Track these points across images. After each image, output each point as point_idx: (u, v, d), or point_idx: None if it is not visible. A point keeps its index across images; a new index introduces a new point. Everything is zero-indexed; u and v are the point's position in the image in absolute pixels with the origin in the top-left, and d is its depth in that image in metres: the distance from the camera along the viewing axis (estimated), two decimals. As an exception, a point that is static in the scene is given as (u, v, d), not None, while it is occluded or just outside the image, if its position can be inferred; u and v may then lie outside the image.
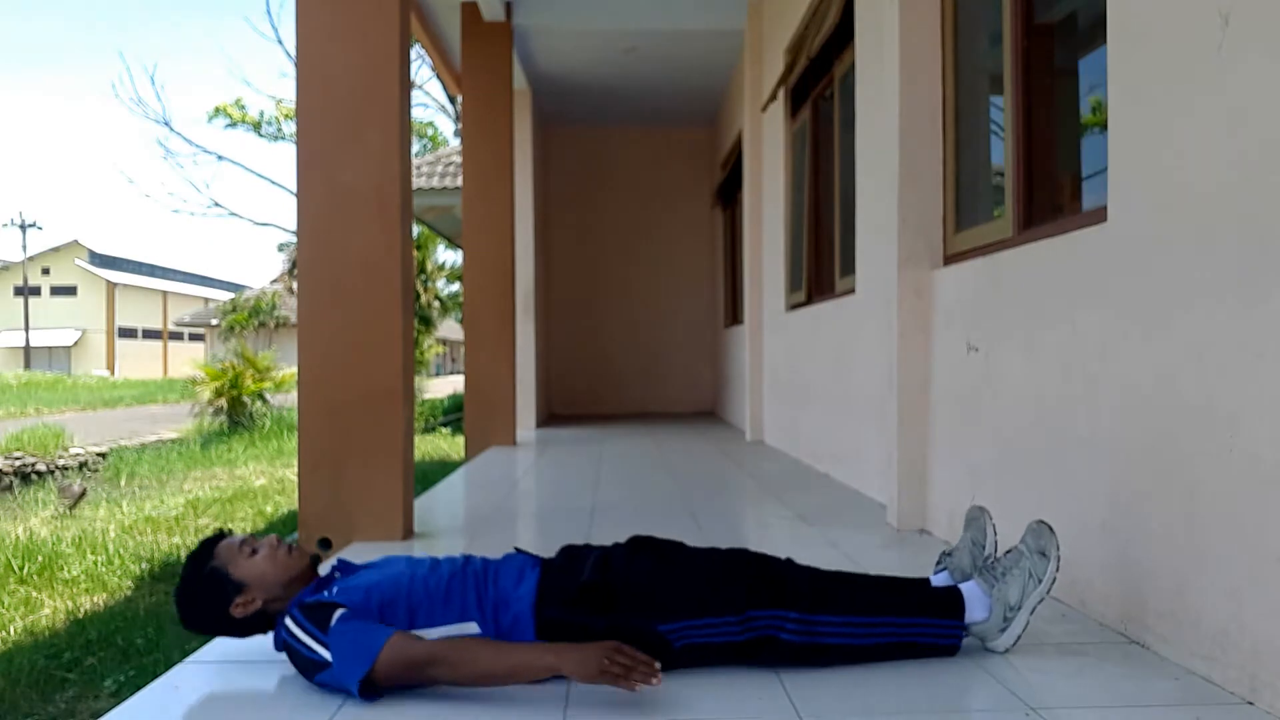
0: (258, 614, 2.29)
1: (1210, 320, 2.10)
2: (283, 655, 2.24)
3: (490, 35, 8.11)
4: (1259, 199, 1.95)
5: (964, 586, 2.32)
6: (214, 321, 35.50)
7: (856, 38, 5.04)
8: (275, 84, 54.96)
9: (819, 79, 6.34)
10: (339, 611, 2.12)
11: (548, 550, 2.51)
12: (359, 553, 3.74)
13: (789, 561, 2.34)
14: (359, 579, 2.27)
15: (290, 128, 23.64)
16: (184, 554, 6.82)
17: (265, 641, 2.36)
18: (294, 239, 19.70)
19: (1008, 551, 2.35)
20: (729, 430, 9.55)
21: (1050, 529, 2.29)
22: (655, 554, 2.34)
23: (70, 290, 56.59)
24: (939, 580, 2.44)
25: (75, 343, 55.00)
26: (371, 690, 2.05)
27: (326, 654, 2.07)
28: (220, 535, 2.39)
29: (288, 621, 2.17)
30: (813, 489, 5.36)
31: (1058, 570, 2.26)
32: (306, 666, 2.13)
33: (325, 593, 2.24)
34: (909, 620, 2.26)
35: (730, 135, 10.42)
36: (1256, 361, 1.94)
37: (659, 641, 2.15)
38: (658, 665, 1.95)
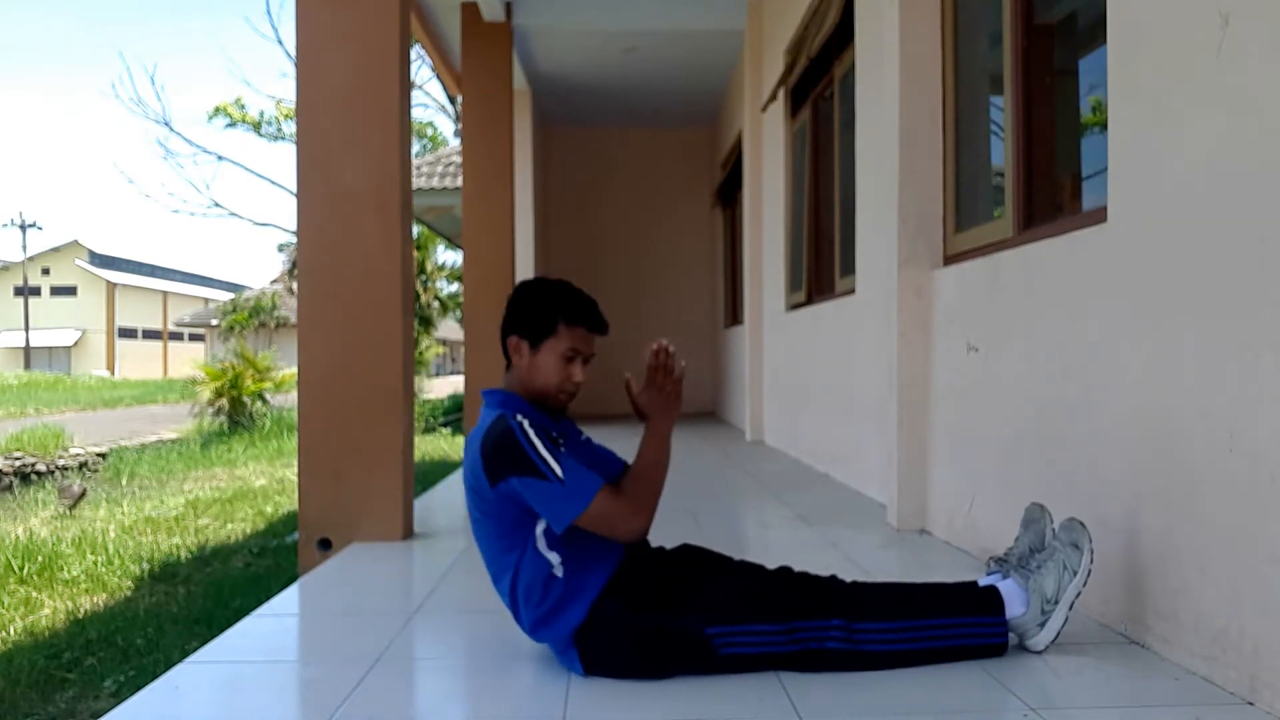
0: (507, 359, 2.35)
1: (1210, 320, 2.10)
2: (286, 656, 2.24)
3: (490, 35, 8.11)
4: (1259, 199, 1.95)
5: (1001, 583, 2.32)
6: (214, 322, 35.50)
7: (856, 38, 5.04)
8: (275, 84, 54.98)
9: (819, 79, 6.34)
10: (564, 449, 2.23)
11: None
12: (359, 553, 3.74)
13: (833, 577, 2.35)
14: (583, 446, 2.38)
15: (290, 128, 23.63)
16: (184, 554, 6.84)
17: (265, 642, 2.36)
18: (294, 239, 19.69)
19: (1041, 549, 2.36)
20: (729, 430, 9.55)
21: (1082, 524, 2.29)
22: (703, 563, 2.37)
23: (70, 290, 56.58)
24: (987, 583, 2.41)
25: (75, 343, 54.99)
26: (571, 529, 2.15)
27: (559, 470, 2.13)
28: (600, 327, 2.35)
29: (523, 421, 2.18)
30: (813, 489, 5.36)
31: (1092, 562, 2.26)
32: (518, 462, 2.14)
33: (555, 431, 2.29)
34: (952, 621, 2.27)
35: (730, 135, 10.42)
36: (1256, 361, 1.94)
37: (704, 645, 2.16)
38: (663, 341, 2.27)
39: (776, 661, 2.20)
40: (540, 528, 2.20)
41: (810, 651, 2.19)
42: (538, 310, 2.31)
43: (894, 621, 2.23)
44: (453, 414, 17.72)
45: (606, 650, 2.17)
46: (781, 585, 2.27)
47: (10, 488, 11.82)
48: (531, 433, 2.17)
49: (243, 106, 24.32)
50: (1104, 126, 2.64)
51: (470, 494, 2.27)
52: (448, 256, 20.58)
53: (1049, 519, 2.44)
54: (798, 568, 2.36)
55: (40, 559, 6.65)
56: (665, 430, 2.28)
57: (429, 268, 18.92)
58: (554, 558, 2.20)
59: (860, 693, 2.11)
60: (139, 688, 2.37)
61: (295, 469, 6.06)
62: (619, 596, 2.20)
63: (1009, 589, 2.30)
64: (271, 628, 2.81)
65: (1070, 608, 2.29)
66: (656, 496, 2.27)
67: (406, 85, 4.09)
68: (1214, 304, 2.08)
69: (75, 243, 58.08)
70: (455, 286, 20.09)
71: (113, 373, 50.95)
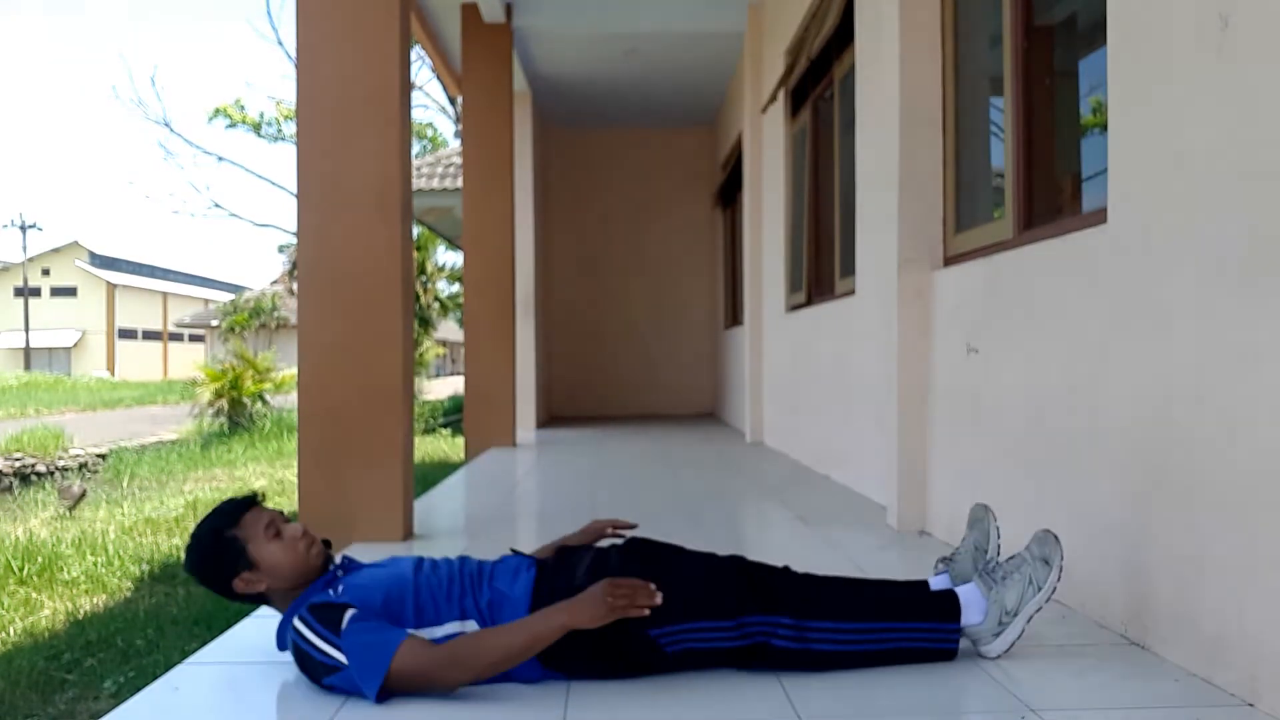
0: (257, 594, 2.29)
1: (1210, 321, 2.10)
2: (286, 657, 2.24)
3: (490, 37, 8.11)
4: (1259, 199, 1.95)
5: (961, 589, 2.29)
6: (214, 322, 35.51)
7: (856, 39, 5.05)
8: (275, 84, 54.98)
9: (819, 80, 6.35)
10: (350, 612, 2.09)
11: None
12: (359, 553, 3.73)
13: (785, 569, 2.32)
14: (364, 577, 2.25)
15: (290, 128, 23.65)
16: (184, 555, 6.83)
17: (264, 642, 2.36)
18: (294, 240, 19.70)
19: (1010, 557, 2.34)
20: (729, 431, 9.55)
21: (1056, 538, 2.26)
22: (649, 558, 2.30)
23: (70, 291, 56.58)
24: (938, 583, 2.40)
25: (75, 344, 54.99)
26: (386, 694, 2.04)
27: (341, 657, 2.04)
28: (252, 501, 2.35)
29: (297, 624, 2.13)
30: (813, 490, 5.36)
31: (1059, 580, 2.24)
32: (316, 669, 2.10)
33: (330, 591, 2.22)
34: (903, 625, 2.24)
35: (730, 137, 10.42)
36: (1256, 362, 1.94)
37: (649, 645, 2.13)
38: (652, 586, 2.04)
39: (727, 656, 2.18)
40: (424, 634, 2.13)
41: (758, 645, 2.17)
42: (215, 549, 2.27)
43: (845, 622, 2.21)
44: (453, 414, 17.72)
45: (558, 656, 2.12)
46: (730, 579, 2.22)
47: (10, 488, 11.81)
48: (307, 630, 2.09)
49: (243, 107, 24.35)
50: (1104, 127, 2.64)
51: None
52: (448, 257, 20.59)
53: (992, 518, 2.42)
54: (798, 569, 2.34)
55: (40, 560, 6.65)
56: (572, 624, 2.04)
57: (429, 268, 18.92)
58: (470, 625, 2.16)
59: (859, 693, 2.10)
60: (139, 689, 2.37)
61: (295, 469, 6.06)
62: (549, 606, 2.14)
63: (968, 595, 2.27)
64: (271, 628, 2.79)
65: (1029, 620, 2.26)
66: (494, 669, 2.07)
67: (406, 86, 4.09)
68: (1214, 304, 2.08)
69: (75, 243, 58.08)
70: (455, 287, 20.09)
71: (113, 374, 50.96)
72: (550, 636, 2.05)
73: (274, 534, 2.28)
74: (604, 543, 2.49)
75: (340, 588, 2.22)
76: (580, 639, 2.07)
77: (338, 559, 2.41)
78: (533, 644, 2.06)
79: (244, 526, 2.27)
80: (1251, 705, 1.96)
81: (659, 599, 2.02)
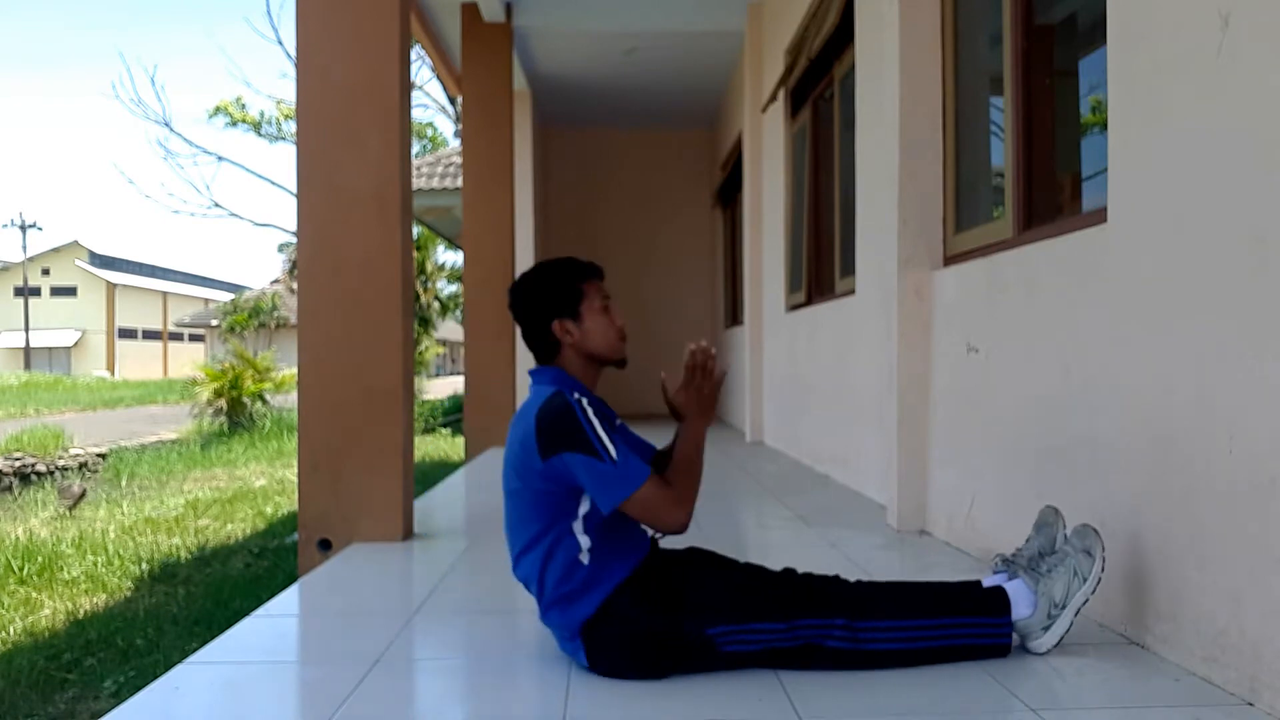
0: (555, 345, 2.34)
1: (1210, 321, 2.10)
2: (286, 657, 2.24)
3: (490, 36, 8.11)
4: (1259, 199, 1.95)
5: (1009, 584, 2.31)
6: (214, 322, 35.52)
7: (856, 38, 5.05)
8: (275, 84, 54.97)
9: (819, 80, 6.35)
10: (616, 433, 2.23)
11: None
12: (359, 553, 3.74)
13: (836, 576, 2.35)
14: (621, 433, 2.34)
15: (290, 128, 23.63)
16: (184, 555, 6.84)
17: (265, 642, 2.35)
18: (294, 240, 19.69)
19: (1053, 552, 2.35)
20: (729, 431, 9.55)
21: (1095, 530, 2.28)
22: (708, 563, 2.37)
23: (70, 291, 56.59)
24: (992, 582, 2.40)
25: (75, 343, 55.00)
26: (615, 511, 2.16)
27: (614, 453, 2.15)
28: (600, 271, 2.41)
29: (583, 401, 2.22)
30: (813, 490, 5.36)
31: (1103, 570, 2.26)
32: (573, 439, 2.16)
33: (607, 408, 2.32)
34: (955, 621, 2.26)
35: (730, 136, 10.42)
36: (1256, 362, 1.94)
37: (706, 644, 2.17)
38: (703, 342, 2.32)
39: (778, 657, 2.20)
40: (583, 509, 2.22)
41: (812, 647, 2.19)
42: (559, 287, 2.35)
43: (897, 620, 2.23)
44: (453, 414, 17.72)
45: (612, 647, 2.18)
46: (785, 584, 2.28)
47: (10, 488, 11.81)
48: (590, 412, 2.20)
49: (243, 106, 24.32)
50: (1104, 126, 2.64)
51: (513, 466, 2.28)
52: (448, 257, 20.59)
53: (1062, 523, 2.42)
54: (799, 569, 2.35)
55: (40, 559, 6.65)
56: (701, 431, 2.30)
57: (429, 268, 18.92)
58: (585, 542, 2.21)
59: (860, 694, 2.10)
60: (139, 688, 2.37)
61: (295, 469, 6.06)
62: (631, 594, 2.20)
63: (1016, 590, 2.29)
64: (271, 628, 2.81)
65: (1076, 613, 2.28)
66: (696, 491, 2.27)
67: (406, 86, 4.09)
68: (1214, 304, 2.08)
69: (75, 243, 58.10)
70: (455, 287, 20.09)
71: (113, 373, 50.97)
72: (702, 448, 2.29)
73: (604, 307, 2.37)
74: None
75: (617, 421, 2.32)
76: (643, 634, 2.16)
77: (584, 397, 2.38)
78: (701, 459, 2.28)
79: (590, 286, 2.37)
80: (1251, 704, 1.96)
81: (708, 344, 2.29)
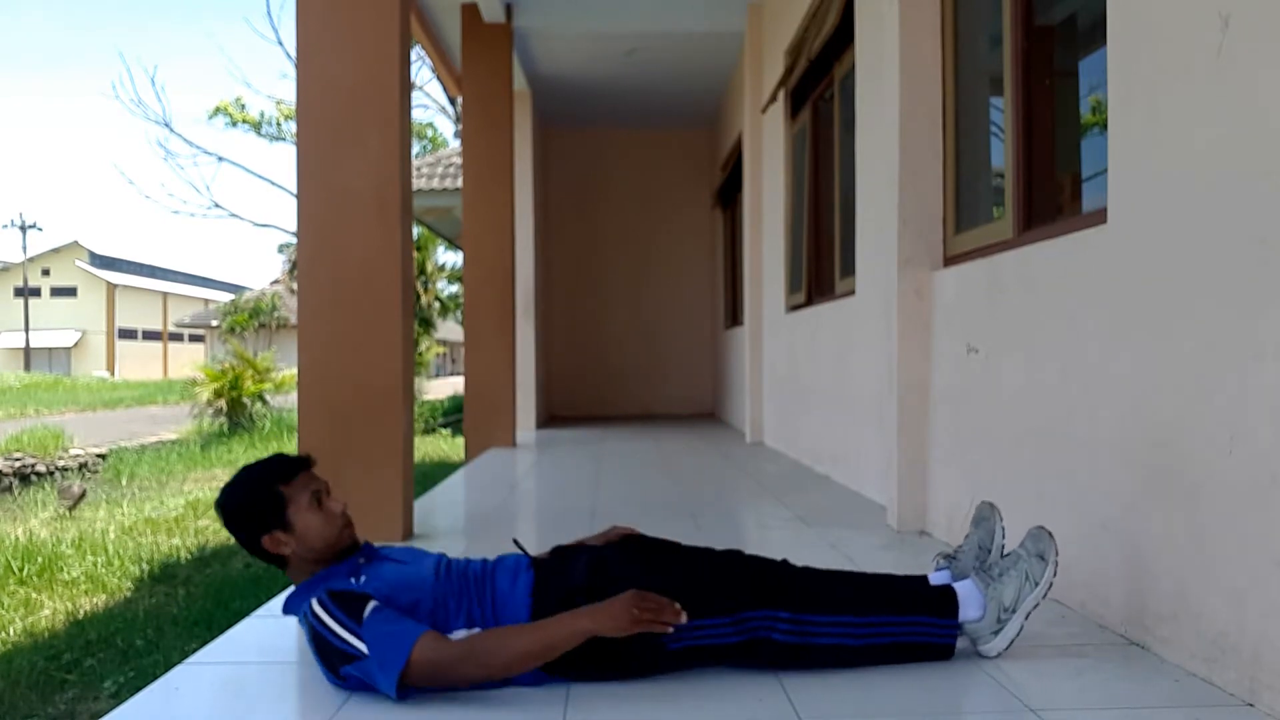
0: (278, 559, 2.26)
1: (1210, 321, 2.10)
2: (286, 657, 2.24)
3: (490, 37, 8.11)
4: (1259, 200, 1.95)
5: (959, 585, 2.29)
6: (214, 323, 35.51)
7: (856, 39, 5.04)
8: (275, 84, 54.98)
9: (819, 80, 6.34)
10: (372, 604, 2.08)
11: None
12: (359, 554, 3.74)
13: (784, 562, 2.32)
14: (388, 573, 2.23)
15: (290, 128, 23.63)
16: (184, 555, 6.84)
17: (264, 642, 2.36)
18: (294, 240, 19.69)
19: (1005, 555, 2.34)
20: (729, 431, 9.55)
21: (1050, 535, 2.27)
22: (647, 556, 2.31)
23: (70, 291, 56.60)
24: (938, 579, 2.40)
25: (75, 344, 55.00)
26: (404, 688, 2.01)
27: (361, 646, 2.02)
28: (307, 463, 2.32)
29: (316, 608, 2.09)
30: (812, 490, 5.36)
31: (1055, 576, 2.24)
32: (333, 656, 2.06)
33: (353, 580, 2.20)
34: (902, 619, 2.24)
35: (730, 137, 10.42)
36: (1256, 362, 1.94)
37: (650, 643, 2.12)
38: (677, 605, 2.01)
39: (727, 652, 2.17)
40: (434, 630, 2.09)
41: (759, 641, 2.16)
42: (256, 501, 2.24)
43: (843, 615, 2.20)
44: (453, 414, 17.72)
45: (566, 655, 2.09)
46: (728, 575, 2.23)
47: (10, 488, 11.81)
48: (327, 616, 2.06)
49: (243, 106, 24.34)
50: (1104, 127, 2.64)
51: None
52: (448, 257, 20.61)
53: (998, 517, 2.42)
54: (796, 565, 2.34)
55: (40, 560, 6.65)
56: (595, 630, 2.01)
57: (429, 268, 18.94)
58: (461, 633, 2.14)
59: (859, 694, 2.10)
60: (138, 689, 2.37)
61: (295, 470, 6.05)
62: (550, 607, 2.13)
63: (966, 591, 2.27)
64: (271, 628, 2.80)
65: (1026, 617, 2.26)
66: (508, 669, 2.05)
67: (406, 86, 4.09)
68: (1214, 305, 2.08)
69: (75, 243, 58.12)
70: (455, 287, 20.10)
71: (113, 374, 50.96)
72: (571, 641, 2.02)
73: (317, 504, 2.26)
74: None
75: (363, 578, 2.20)
76: (587, 650, 2.05)
77: (360, 545, 2.37)
78: (552, 647, 2.03)
79: (293, 486, 2.25)
80: (1251, 705, 1.96)
81: (684, 618, 2.01)
